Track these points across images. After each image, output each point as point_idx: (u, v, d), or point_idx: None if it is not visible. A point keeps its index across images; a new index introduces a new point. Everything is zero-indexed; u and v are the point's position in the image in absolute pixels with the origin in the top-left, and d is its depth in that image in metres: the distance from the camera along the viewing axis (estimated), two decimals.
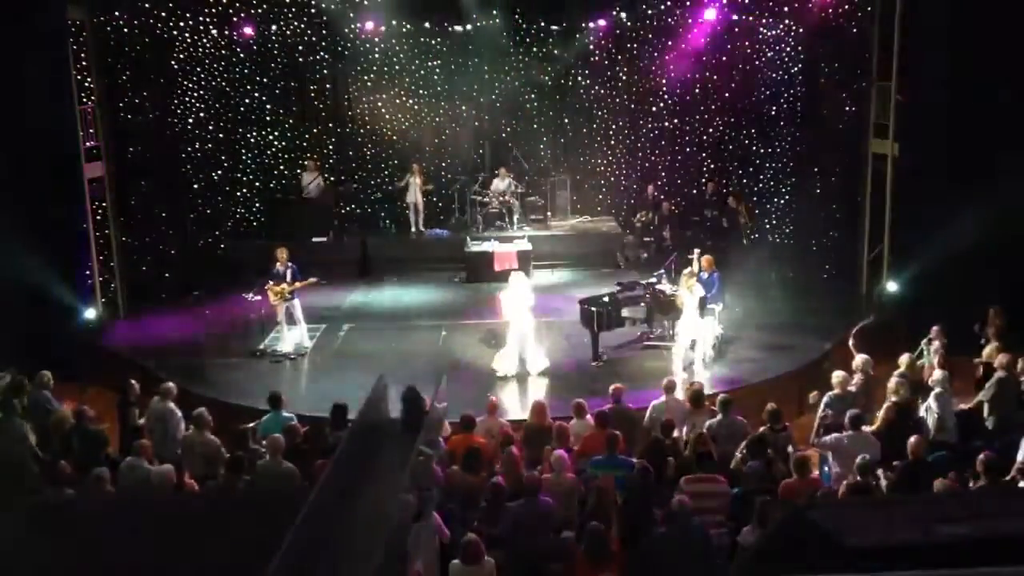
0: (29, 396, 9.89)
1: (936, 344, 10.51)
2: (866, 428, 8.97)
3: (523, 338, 11.87)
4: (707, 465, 7.80)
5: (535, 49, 18.36)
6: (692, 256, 12.58)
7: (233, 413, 10.83)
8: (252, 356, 12.80)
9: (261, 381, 11.96)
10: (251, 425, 9.58)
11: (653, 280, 13.26)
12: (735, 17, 17.43)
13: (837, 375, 9.87)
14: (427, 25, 17.48)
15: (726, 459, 8.28)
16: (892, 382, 9.62)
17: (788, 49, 17.52)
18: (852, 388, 9.69)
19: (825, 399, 9.54)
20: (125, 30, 14.97)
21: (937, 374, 9.58)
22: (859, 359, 10.34)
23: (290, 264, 12.78)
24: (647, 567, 6.65)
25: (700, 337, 11.96)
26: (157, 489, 8.03)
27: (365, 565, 4.04)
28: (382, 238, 17.89)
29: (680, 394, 9.68)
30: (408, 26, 17.51)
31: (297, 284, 12.74)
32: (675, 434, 9.06)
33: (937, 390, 9.26)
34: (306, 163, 17.79)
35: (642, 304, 12.68)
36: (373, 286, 16.55)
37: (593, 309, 12.31)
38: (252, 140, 18.27)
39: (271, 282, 12.68)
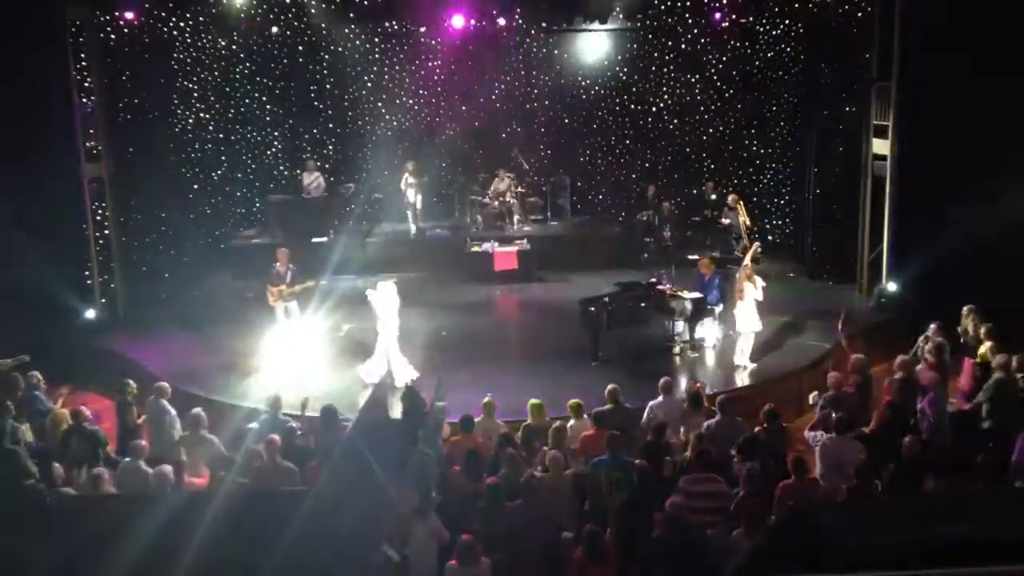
0: (22, 397, 9.92)
1: (931, 344, 10.48)
2: (864, 429, 8.98)
3: (389, 347, 11.71)
4: (706, 465, 7.79)
5: (535, 50, 18.39)
6: (755, 248, 12.55)
7: (231, 413, 10.83)
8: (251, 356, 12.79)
9: (259, 382, 11.97)
10: (249, 426, 9.58)
11: (653, 280, 13.26)
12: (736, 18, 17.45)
13: (832, 376, 9.90)
14: (424, 28, 17.48)
15: (725, 460, 8.27)
16: (888, 382, 9.62)
17: (788, 49, 17.52)
18: (847, 389, 9.71)
19: (820, 400, 9.56)
20: (125, 30, 14.96)
21: (929, 375, 9.56)
22: (854, 359, 10.36)
23: (291, 266, 12.81)
24: (644, 568, 6.65)
25: (755, 330, 12.08)
26: (156, 489, 8.05)
27: (365, 564, 4.04)
28: (382, 238, 17.89)
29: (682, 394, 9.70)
30: (407, 26, 17.52)
31: (296, 288, 12.74)
32: (673, 435, 9.06)
33: (931, 393, 9.24)
34: (307, 163, 17.79)
35: (643, 304, 12.68)
36: (373, 286, 16.53)
37: (593, 309, 12.31)
38: (252, 140, 18.28)
39: (271, 283, 12.71)
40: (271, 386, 11.45)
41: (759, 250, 12.40)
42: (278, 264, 12.83)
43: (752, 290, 11.93)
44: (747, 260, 12.28)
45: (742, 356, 12.07)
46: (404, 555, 5.73)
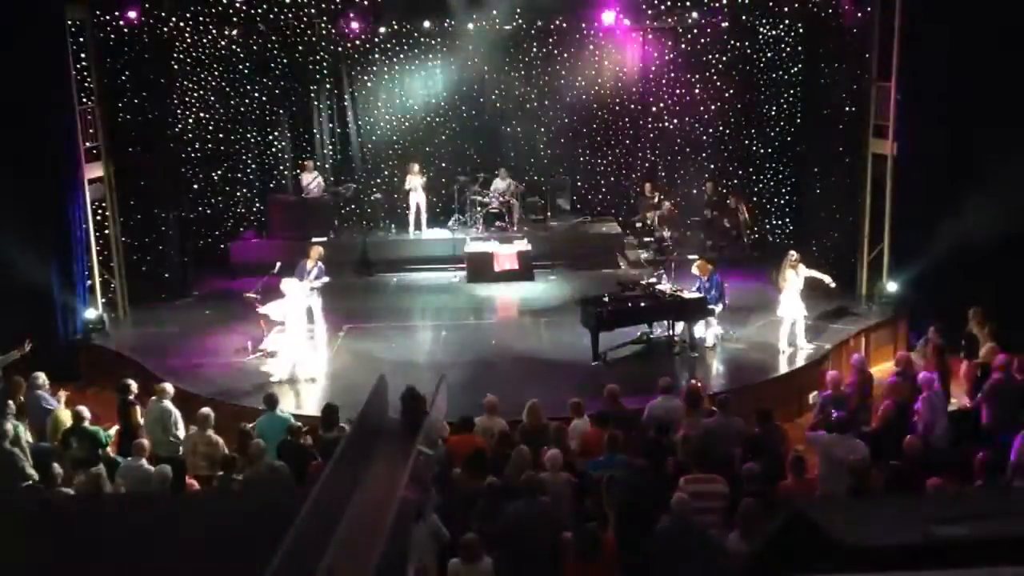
0: (25, 397, 9.94)
1: (931, 346, 10.50)
2: (864, 429, 8.99)
3: (296, 342, 12.07)
4: (705, 465, 7.80)
5: (535, 49, 18.38)
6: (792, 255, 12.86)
7: (233, 413, 10.84)
8: (253, 356, 12.78)
9: (261, 381, 11.98)
10: (252, 425, 9.60)
11: (653, 280, 13.26)
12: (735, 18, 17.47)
13: (831, 375, 9.92)
14: (427, 24, 17.49)
15: (724, 459, 8.28)
16: (890, 381, 9.64)
17: (788, 49, 17.51)
18: (846, 388, 9.74)
19: (820, 399, 9.58)
20: (125, 30, 14.96)
21: (925, 376, 9.57)
22: (853, 359, 10.41)
23: (320, 263, 12.86)
24: (646, 567, 6.65)
25: (799, 316, 12.46)
26: (156, 489, 8.06)
27: (365, 565, 4.04)
28: (382, 238, 17.89)
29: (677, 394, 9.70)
30: (408, 26, 17.52)
31: (318, 283, 12.77)
32: (673, 434, 9.06)
33: (925, 393, 9.25)
34: (305, 163, 17.79)
35: (643, 304, 12.67)
36: (373, 286, 16.57)
37: (593, 309, 12.31)
38: (252, 140, 18.27)
39: (297, 278, 12.78)
40: (272, 386, 11.51)
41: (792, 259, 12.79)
42: (308, 261, 12.88)
43: (794, 278, 12.27)
44: (792, 254, 12.69)
45: (784, 342, 12.47)
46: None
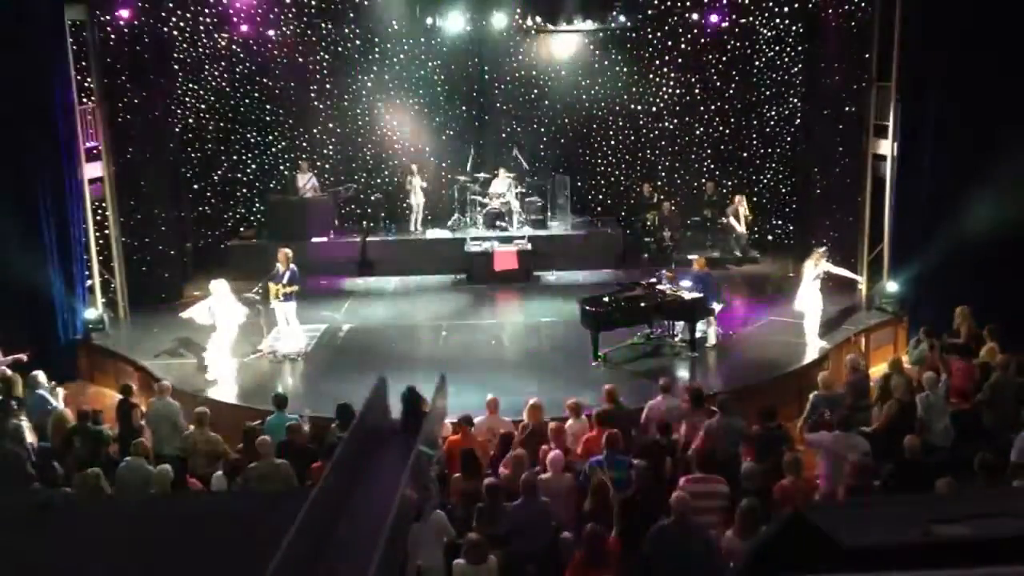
0: (25, 396, 9.95)
1: (924, 346, 10.51)
2: (864, 429, 8.98)
3: (221, 343, 12.15)
4: (706, 465, 7.80)
5: (536, 49, 18.39)
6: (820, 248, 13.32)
7: (234, 413, 10.85)
8: (253, 356, 12.78)
9: (261, 381, 11.99)
10: (255, 424, 9.61)
11: (653, 280, 13.26)
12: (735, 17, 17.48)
13: (823, 375, 9.92)
14: (429, 21, 17.49)
15: (725, 459, 8.27)
16: (892, 381, 9.63)
17: (788, 49, 17.52)
18: (840, 389, 9.74)
19: (812, 398, 9.58)
20: (125, 30, 14.96)
21: (922, 376, 9.57)
22: (848, 359, 10.43)
23: (291, 266, 12.78)
24: (647, 566, 6.65)
25: (816, 309, 12.65)
26: (157, 489, 8.06)
27: (365, 565, 4.03)
28: (382, 238, 17.89)
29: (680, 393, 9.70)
30: (408, 25, 17.52)
31: (288, 288, 12.66)
32: (673, 434, 9.07)
33: (921, 393, 9.25)
34: (300, 164, 17.76)
35: (643, 304, 12.67)
36: (373, 286, 16.57)
37: (593, 309, 12.31)
38: (252, 140, 18.28)
39: (271, 282, 12.71)
40: (273, 386, 11.51)
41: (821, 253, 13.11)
42: (279, 265, 12.83)
43: (810, 270, 12.48)
44: (821, 248, 13.09)
45: (806, 334, 12.69)
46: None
